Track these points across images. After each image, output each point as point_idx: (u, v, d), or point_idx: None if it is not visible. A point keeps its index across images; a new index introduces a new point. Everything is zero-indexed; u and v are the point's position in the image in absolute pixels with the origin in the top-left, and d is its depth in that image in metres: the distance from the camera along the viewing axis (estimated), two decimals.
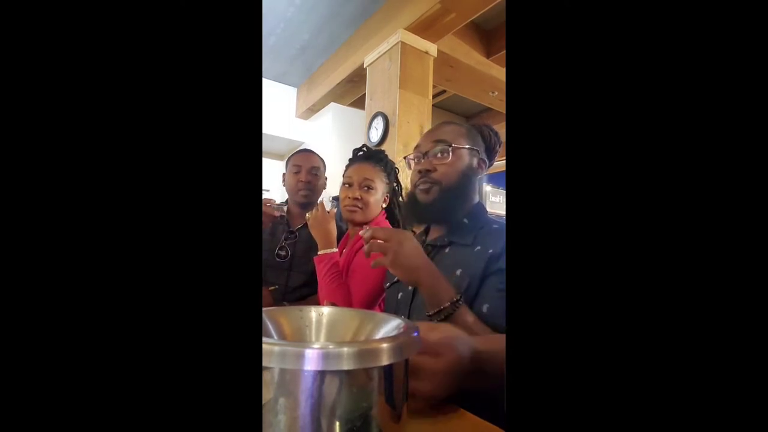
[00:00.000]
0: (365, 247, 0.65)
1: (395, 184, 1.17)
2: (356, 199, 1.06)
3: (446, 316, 0.60)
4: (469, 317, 0.61)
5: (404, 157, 0.85)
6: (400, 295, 0.80)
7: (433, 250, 0.78)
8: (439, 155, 0.77)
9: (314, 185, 1.37)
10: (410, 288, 0.76)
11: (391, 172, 1.14)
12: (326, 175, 1.46)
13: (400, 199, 1.18)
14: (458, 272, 0.69)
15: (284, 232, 1.34)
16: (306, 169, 1.36)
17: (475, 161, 0.79)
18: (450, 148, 0.77)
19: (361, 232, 0.66)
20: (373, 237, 0.64)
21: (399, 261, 0.62)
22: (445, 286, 0.62)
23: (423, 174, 0.78)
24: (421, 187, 0.78)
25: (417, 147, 0.82)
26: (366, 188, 1.07)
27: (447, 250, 0.76)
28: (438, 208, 0.77)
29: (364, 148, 1.16)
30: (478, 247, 0.69)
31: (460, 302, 0.61)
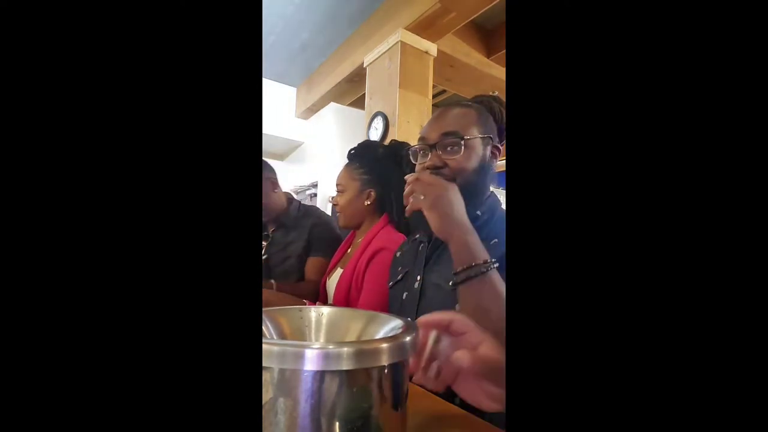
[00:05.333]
0: (407, 188, 0.62)
1: (388, 173, 1.08)
2: (335, 204, 1.11)
3: (476, 274, 0.55)
4: (501, 286, 0.54)
5: (408, 149, 0.77)
6: (405, 295, 0.74)
7: (441, 244, 0.71)
8: (449, 149, 0.69)
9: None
10: (416, 287, 0.71)
11: (373, 164, 1.08)
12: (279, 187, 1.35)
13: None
14: None
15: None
16: None
17: (488, 150, 0.71)
18: (462, 141, 0.68)
19: (407, 177, 0.63)
20: (418, 179, 0.61)
21: (437, 206, 0.58)
22: (480, 246, 0.57)
23: (433, 171, 0.69)
24: None
25: (422, 138, 0.72)
26: (339, 193, 1.09)
27: None
28: None
29: (352, 151, 1.13)
30: (495, 240, 0.64)
31: (494, 265, 0.55)
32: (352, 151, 1.13)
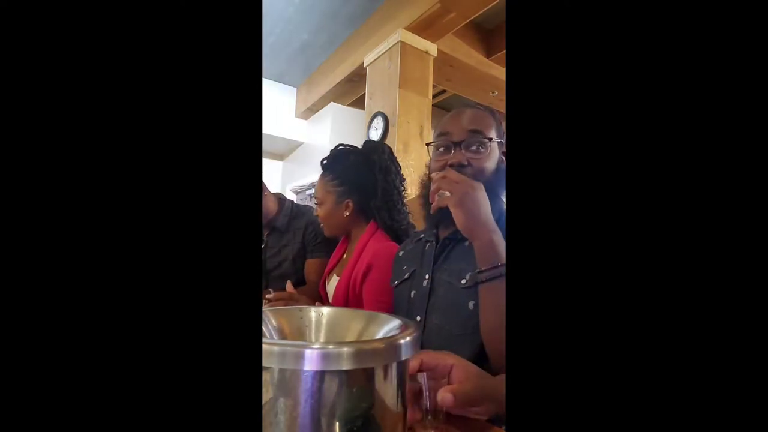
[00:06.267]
0: (433, 185, 0.63)
1: (373, 178, 1.01)
2: (317, 215, 1.09)
3: (500, 275, 0.56)
4: None
5: (427, 144, 0.77)
6: (412, 293, 0.72)
7: (450, 243, 0.71)
8: (474, 148, 0.69)
9: None
10: (425, 285, 0.70)
11: (346, 173, 1.03)
12: (270, 192, 1.33)
13: (383, 195, 1.01)
14: None
15: None
16: None
17: (501, 155, 0.73)
18: (489, 142, 0.69)
19: (433, 174, 0.64)
20: (445, 177, 0.62)
21: (464, 203, 0.59)
22: (504, 246, 0.57)
23: (456, 168, 0.68)
24: None
25: (446, 134, 0.71)
26: (318, 205, 1.07)
27: (467, 244, 0.68)
28: None
29: (324, 161, 1.07)
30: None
31: None
32: (325, 161, 1.07)
